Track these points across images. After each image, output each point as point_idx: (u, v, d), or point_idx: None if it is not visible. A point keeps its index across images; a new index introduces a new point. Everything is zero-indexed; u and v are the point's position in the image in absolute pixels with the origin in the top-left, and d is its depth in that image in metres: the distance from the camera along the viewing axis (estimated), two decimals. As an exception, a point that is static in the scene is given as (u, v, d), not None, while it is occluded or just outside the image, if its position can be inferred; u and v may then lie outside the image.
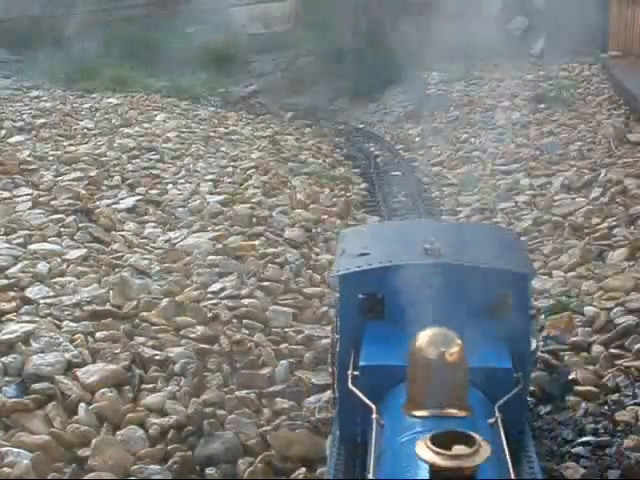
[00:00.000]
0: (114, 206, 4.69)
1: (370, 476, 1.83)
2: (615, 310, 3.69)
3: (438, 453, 1.53)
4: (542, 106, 7.42)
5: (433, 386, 1.91)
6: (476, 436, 1.58)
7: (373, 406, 2.03)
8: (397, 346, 2.11)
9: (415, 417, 1.86)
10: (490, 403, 2.05)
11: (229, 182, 5.32)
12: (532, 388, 3.07)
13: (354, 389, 2.12)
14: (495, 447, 1.77)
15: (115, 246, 4.16)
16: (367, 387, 2.11)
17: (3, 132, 6.15)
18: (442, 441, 1.55)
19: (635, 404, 3.12)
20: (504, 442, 1.90)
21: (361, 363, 2.21)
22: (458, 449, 1.53)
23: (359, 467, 2.16)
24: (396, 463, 1.85)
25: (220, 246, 4.17)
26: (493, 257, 2.44)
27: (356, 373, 2.19)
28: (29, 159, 5.40)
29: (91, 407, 2.81)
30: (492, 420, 1.98)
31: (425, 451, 1.55)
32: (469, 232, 2.91)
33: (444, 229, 2.86)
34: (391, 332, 2.26)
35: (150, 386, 2.99)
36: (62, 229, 4.30)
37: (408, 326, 2.06)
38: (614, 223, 4.56)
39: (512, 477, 1.79)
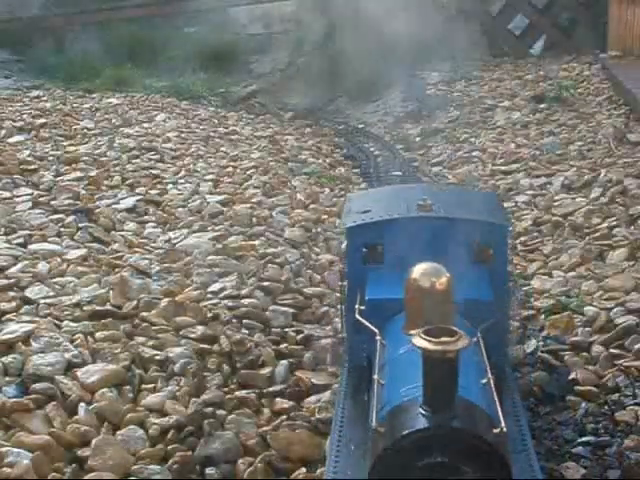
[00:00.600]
0: (114, 206, 4.68)
1: (375, 377, 2.24)
2: (615, 310, 3.69)
3: (428, 341, 1.94)
4: (542, 106, 7.44)
5: (425, 310, 2.29)
6: (458, 330, 2.00)
7: (377, 330, 2.42)
8: (395, 285, 2.49)
9: (411, 335, 2.11)
10: (474, 329, 2.35)
11: (229, 182, 5.32)
12: (534, 388, 3.25)
13: (361, 319, 2.52)
14: (476, 356, 2.27)
15: (115, 246, 4.15)
16: (371, 317, 2.51)
17: (3, 132, 6.15)
18: (432, 335, 1.98)
19: (635, 404, 3.12)
20: (484, 353, 2.30)
21: (366, 298, 2.61)
22: (444, 338, 1.97)
23: (364, 389, 2.54)
24: (396, 368, 2.29)
25: (220, 246, 4.17)
26: (477, 212, 2.88)
27: (362, 307, 2.59)
28: (29, 159, 5.39)
29: (91, 407, 2.81)
30: (474, 338, 2.32)
31: (419, 340, 1.99)
32: (459, 193, 3.63)
33: (437, 191, 3.31)
34: (389, 275, 2.66)
35: (150, 386, 2.98)
36: (62, 229, 4.29)
37: (404, 270, 2.42)
38: (614, 223, 4.56)
39: (487, 367, 2.25)
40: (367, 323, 2.47)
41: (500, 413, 2.02)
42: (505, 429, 1.96)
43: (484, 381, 2.17)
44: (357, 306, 2.59)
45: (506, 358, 2.70)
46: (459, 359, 1.99)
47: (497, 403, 2.08)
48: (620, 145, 5.89)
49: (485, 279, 2.65)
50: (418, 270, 2.33)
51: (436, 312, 2.27)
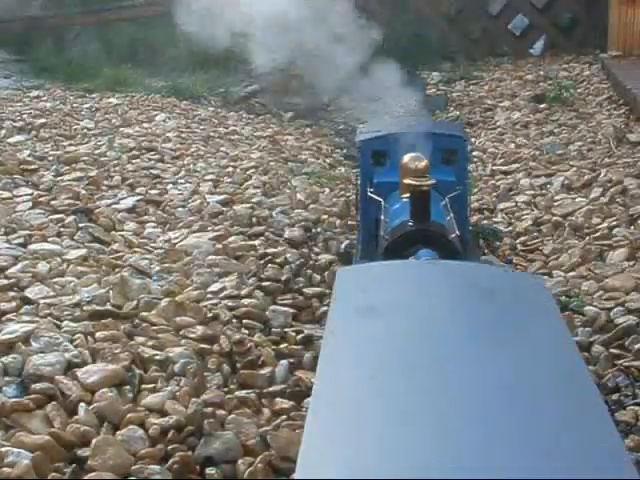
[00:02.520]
0: (114, 206, 4.68)
1: (382, 217, 3.35)
2: (615, 310, 3.69)
3: (414, 180, 2.99)
4: (542, 106, 7.44)
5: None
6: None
7: (382, 199, 3.50)
8: (392, 174, 3.54)
9: (403, 198, 3.30)
10: (443, 197, 3.43)
11: (229, 182, 5.32)
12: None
13: (371, 194, 3.61)
14: (445, 210, 3.38)
15: (115, 246, 4.15)
16: (377, 194, 3.57)
17: (3, 132, 6.15)
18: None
19: (635, 404, 3.12)
20: (449, 209, 3.39)
21: (374, 182, 3.74)
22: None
23: (374, 242, 3.48)
24: (394, 214, 3.33)
25: (220, 246, 4.17)
26: (446, 130, 4.28)
27: (371, 189, 3.67)
28: (29, 159, 5.39)
29: (91, 407, 2.81)
30: (443, 203, 3.44)
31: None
32: (438, 122, 5.33)
33: (428, 120, 4.75)
34: (389, 171, 3.72)
35: (150, 386, 2.98)
36: (62, 229, 4.29)
37: (397, 166, 3.45)
38: (614, 223, 4.56)
39: (451, 212, 3.37)
40: (375, 196, 3.54)
41: (455, 228, 3.17)
42: (458, 234, 3.10)
43: (449, 217, 3.28)
44: (368, 189, 3.69)
45: (466, 219, 3.78)
46: (432, 200, 3.09)
47: (455, 225, 3.21)
48: (620, 145, 5.89)
49: (451, 170, 3.75)
50: (407, 156, 3.33)
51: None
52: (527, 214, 4.96)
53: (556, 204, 5.00)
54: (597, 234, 4.46)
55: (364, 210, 3.80)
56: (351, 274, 2.33)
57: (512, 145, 6.37)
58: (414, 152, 3.35)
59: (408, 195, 3.13)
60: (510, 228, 4.86)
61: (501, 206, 5.11)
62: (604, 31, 9.19)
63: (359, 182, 3.96)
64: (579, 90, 7.83)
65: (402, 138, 3.66)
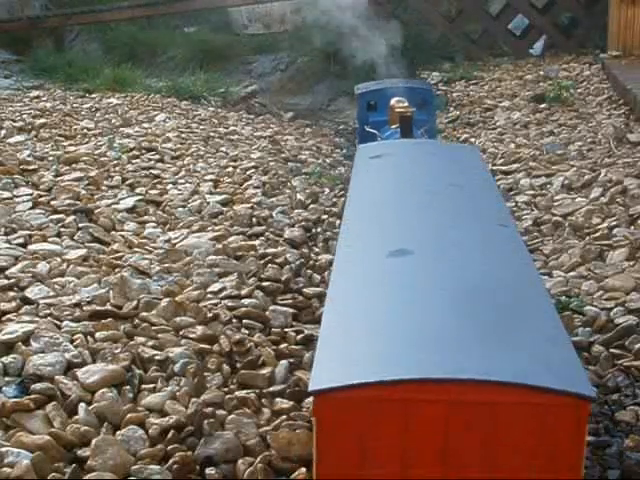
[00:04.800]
0: (114, 206, 4.68)
1: (378, 133, 4.78)
2: (615, 310, 3.69)
3: (401, 108, 4.40)
4: (542, 106, 7.43)
5: (396, 116, 4.49)
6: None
7: (377, 132, 4.75)
8: (383, 116, 4.85)
9: (392, 127, 4.62)
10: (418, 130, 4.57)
11: (229, 182, 5.32)
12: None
13: (369, 129, 4.84)
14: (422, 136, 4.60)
15: (115, 246, 4.15)
16: (372, 128, 4.83)
17: (3, 132, 6.15)
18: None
19: (635, 404, 3.12)
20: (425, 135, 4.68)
21: (370, 121, 5.03)
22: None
23: None
24: (387, 137, 4.56)
25: (220, 246, 4.17)
26: (420, 85, 5.73)
27: (368, 126, 4.90)
28: (29, 159, 5.39)
29: (91, 407, 2.80)
30: (420, 132, 4.62)
31: (398, 109, 4.41)
32: (418, 82, 6.47)
33: (406, 80, 5.70)
34: (380, 114, 4.96)
35: (150, 386, 2.98)
36: (62, 229, 4.29)
37: (385, 111, 4.83)
38: (614, 223, 4.56)
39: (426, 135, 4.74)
40: (372, 130, 4.79)
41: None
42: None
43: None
44: (365, 127, 4.94)
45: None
46: (414, 125, 4.37)
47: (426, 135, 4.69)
48: (620, 145, 5.89)
49: (422, 112, 4.86)
50: (394, 100, 4.69)
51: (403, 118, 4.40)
52: (527, 214, 4.96)
53: (556, 204, 5.00)
54: (597, 234, 4.46)
55: (362, 142, 4.82)
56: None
57: (512, 145, 6.36)
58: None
59: (396, 125, 4.49)
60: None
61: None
62: (604, 31, 9.19)
63: (357, 125, 5.57)
64: (579, 90, 7.83)
65: (387, 91, 4.99)
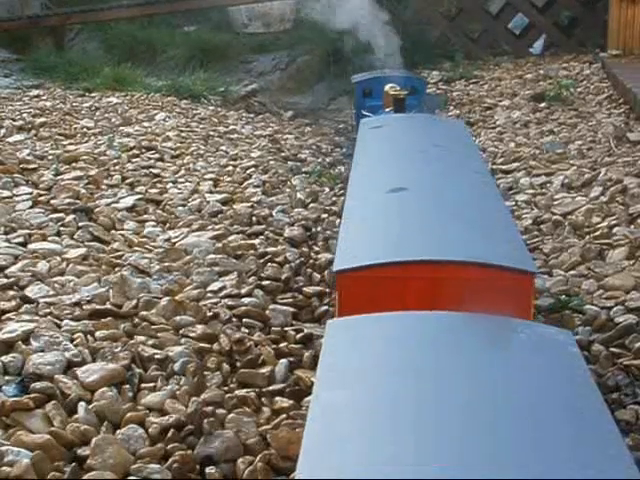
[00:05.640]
0: (114, 205, 4.68)
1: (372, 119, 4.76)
2: (615, 309, 3.69)
3: (394, 91, 4.92)
4: (542, 105, 7.43)
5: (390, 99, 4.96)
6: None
7: (372, 114, 5.03)
8: (378, 101, 5.29)
9: (387, 110, 4.99)
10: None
11: (229, 181, 5.32)
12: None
13: (365, 113, 5.15)
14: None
15: (115, 245, 4.15)
16: (369, 112, 5.19)
17: (3, 131, 6.15)
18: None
19: (635, 403, 3.12)
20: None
21: (366, 106, 5.49)
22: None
23: None
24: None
25: (220, 245, 4.17)
26: (415, 75, 6.39)
27: (365, 111, 5.25)
28: (29, 158, 5.39)
29: (91, 406, 2.80)
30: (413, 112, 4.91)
31: (391, 92, 4.95)
32: (409, 72, 6.44)
33: (398, 70, 6.03)
34: (375, 99, 5.44)
35: (150, 385, 2.98)
36: (62, 228, 4.29)
37: (380, 97, 5.23)
38: (614, 222, 4.55)
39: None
40: (368, 113, 5.10)
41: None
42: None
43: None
44: (363, 111, 5.30)
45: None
46: (407, 101, 4.88)
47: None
48: (620, 144, 5.89)
49: (414, 97, 5.26)
50: (388, 86, 5.11)
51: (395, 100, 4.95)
52: (527, 213, 4.96)
53: (556, 203, 5.00)
54: (597, 233, 4.46)
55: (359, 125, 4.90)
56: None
57: (512, 144, 6.36)
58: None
59: (390, 108, 4.97)
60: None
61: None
62: (604, 30, 9.19)
63: (354, 110, 6.07)
64: (579, 89, 7.83)
65: (381, 79, 5.43)
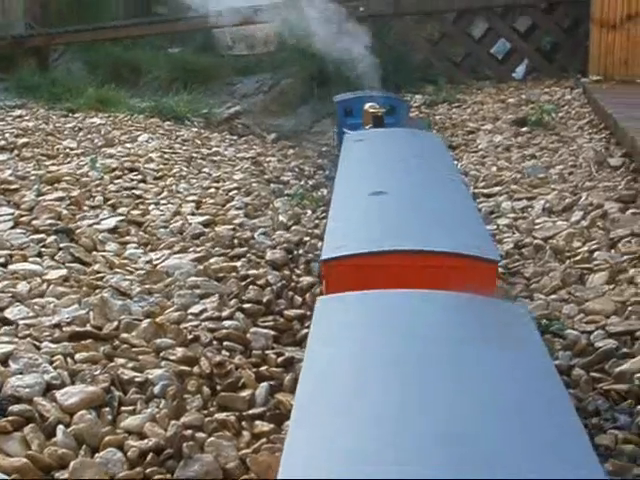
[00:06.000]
0: (95, 226, 4.67)
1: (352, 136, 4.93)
2: (595, 333, 3.70)
3: (372, 109, 5.33)
4: (524, 129, 7.47)
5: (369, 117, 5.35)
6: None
7: (352, 132, 5.04)
8: (358, 120, 5.60)
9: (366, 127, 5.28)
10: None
11: (211, 203, 5.32)
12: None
13: (346, 130, 5.31)
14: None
15: (96, 267, 4.14)
16: (349, 130, 5.29)
17: (-15, 151, 6.14)
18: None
19: (615, 428, 3.12)
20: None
21: (347, 124, 5.77)
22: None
23: None
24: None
25: (201, 267, 4.17)
26: (394, 95, 6.71)
27: (346, 129, 5.41)
28: (11, 179, 5.38)
29: (69, 429, 2.79)
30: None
31: (370, 110, 5.35)
32: (388, 93, 6.74)
33: (376, 91, 6.40)
34: (355, 118, 5.73)
35: (129, 408, 2.97)
36: (43, 249, 4.28)
37: (360, 116, 5.56)
38: (595, 246, 4.58)
39: None
40: (349, 131, 5.14)
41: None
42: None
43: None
44: (344, 129, 5.53)
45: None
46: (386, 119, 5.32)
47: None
48: (601, 169, 5.93)
49: (392, 117, 5.63)
50: (367, 105, 5.45)
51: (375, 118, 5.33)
52: (508, 237, 4.97)
53: (537, 227, 5.02)
54: (578, 257, 4.48)
55: (340, 142, 5.13)
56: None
57: (494, 168, 6.39)
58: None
59: (369, 125, 5.28)
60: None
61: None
62: (585, 56, 9.27)
63: (335, 129, 6.39)
64: (560, 114, 7.88)
65: (361, 99, 5.77)
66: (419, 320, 2.09)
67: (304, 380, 1.88)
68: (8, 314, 3.48)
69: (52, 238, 4.38)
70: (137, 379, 3.09)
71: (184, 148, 6.90)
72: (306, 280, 4.20)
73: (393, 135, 4.71)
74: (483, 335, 2.02)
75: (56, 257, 4.20)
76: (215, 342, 3.46)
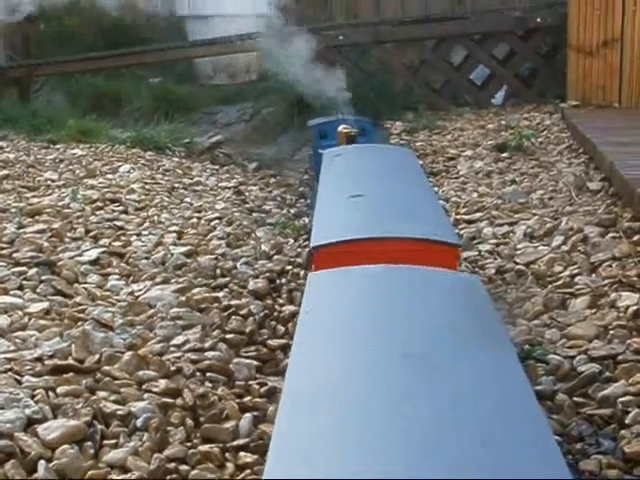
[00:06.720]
0: (77, 258, 4.66)
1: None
2: (578, 358, 3.71)
3: (345, 130, 5.66)
4: (504, 155, 7.51)
5: (342, 137, 5.78)
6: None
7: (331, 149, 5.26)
8: (332, 141, 5.73)
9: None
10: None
11: (193, 233, 5.31)
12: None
13: (321, 151, 5.34)
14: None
15: (78, 299, 4.12)
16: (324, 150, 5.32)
17: (-35, 184, 6.12)
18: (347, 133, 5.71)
19: (599, 453, 3.13)
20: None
21: (322, 145, 5.84)
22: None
23: None
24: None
25: (183, 298, 4.16)
26: (364, 118, 6.61)
27: (321, 150, 5.41)
28: (-9, 211, 5.36)
29: (51, 464, 2.76)
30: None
31: (343, 130, 5.68)
32: (360, 117, 6.65)
33: (350, 116, 6.51)
34: (330, 140, 5.87)
35: (112, 442, 2.95)
36: (24, 282, 4.26)
37: (334, 138, 5.76)
38: (576, 271, 4.60)
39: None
40: (324, 151, 5.16)
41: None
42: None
43: None
44: (319, 150, 5.59)
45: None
46: (358, 138, 5.63)
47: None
48: (580, 193, 5.96)
49: (363, 139, 5.80)
50: (341, 127, 5.73)
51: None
52: (490, 263, 4.99)
53: (519, 252, 5.04)
54: (559, 282, 4.50)
55: (316, 163, 5.68)
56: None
57: (475, 194, 6.42)
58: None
59: (343, 145, 5.48)
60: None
61: (464, 255, 5.12)
62: (563, 81, 9.36)
63: (311, 150, 6.71)
64: (540, 139, 7.93)
65: (335, 122, 6.08)
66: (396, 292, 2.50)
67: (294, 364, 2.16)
68: (-11, 349, 3.45)
69: (33, 271, 4.36)
70: (119, 412, 3.07)
71: (166, 178, 6.91)
72: (289, 309, 4.20)
73: (368, 149, 5.29)
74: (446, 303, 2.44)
75: (37, 290, 4.18)
76: (198, 373, 3.45)
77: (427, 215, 3.53)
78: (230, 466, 2.92)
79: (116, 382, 3.30)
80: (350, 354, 2.08)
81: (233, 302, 4.18)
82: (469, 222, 5.81)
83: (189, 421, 3.11)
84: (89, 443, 2.91)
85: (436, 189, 6.80)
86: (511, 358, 2.13)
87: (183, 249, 4.93)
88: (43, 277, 4.32)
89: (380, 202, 3.70)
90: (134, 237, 5.15)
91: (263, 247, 5.15)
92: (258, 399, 3.34)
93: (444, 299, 2.47)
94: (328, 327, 2.26)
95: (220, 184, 7.04)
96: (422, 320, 2.25)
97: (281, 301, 4.38)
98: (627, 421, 3.23)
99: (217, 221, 5.64)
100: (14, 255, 4.58)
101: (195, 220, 5.64)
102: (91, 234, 5.11)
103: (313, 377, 2.05)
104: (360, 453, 1.69)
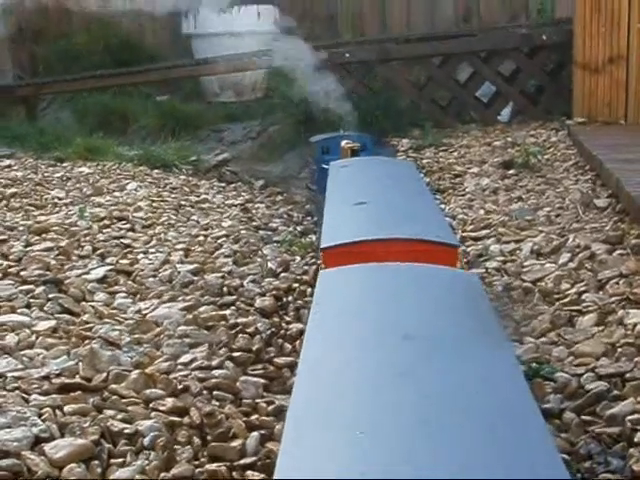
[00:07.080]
0: (84, 276, 4.67)
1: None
2: (586, 376, 3.70)
3: (348, 144, 6.10)
4: (510, 172, 7.51)
5: (346, 152, 6.10)
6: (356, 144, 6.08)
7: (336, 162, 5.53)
8: (336, 156, 5.98)
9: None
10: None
11: (200, 251, 5.32)
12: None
13: (324, 166, 5.61)
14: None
15: (85, 317, 4.13)
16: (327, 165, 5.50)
17: (-27, 202, 6.14)
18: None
19: (607, 471, 3.11)
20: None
21: (325, 160, 6.07)
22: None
23: None
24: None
25: (190, 316, 4.16)
26: (365, 134, 7.08)
27: (324, 165, 5.69)
28: (-1, 229, 5.38)
29: (58, 483, 2.76)
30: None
31: (346, 145, 6.08)
32: (360, 133, 7.20)
33: (351, 132, 7.10)
34: (332, 155, 6.14)
35: (119, 460, 2.95)
36: (31, 300, 4.27)
37: (338, 153, 6.10)
38: (583, 288, 4.58)
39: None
40: (327, 165, 5.43)
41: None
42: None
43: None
44: (322, 164, 5.88)
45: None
46: (359, 153, 5.96)
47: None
48: (587, 210, 5.96)
49: (364, 152, 6.10)
50: (343, 142, 6.07)
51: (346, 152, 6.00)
52: (497, 280, 4.98)
53: (525, 270, 5.03)
54: (566, 299, 4.48)
55: (319, 178, 6.17)
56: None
57: (481, 211, 6.41)
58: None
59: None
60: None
61: (471, 272, 5.11)
62: (569, 98, 9.37)
63: (314, 166, 7.01)
64: (546, 156, 7.93)
65: (337, 138, 6.48)
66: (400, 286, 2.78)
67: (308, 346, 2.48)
68: (-4, 367, 3.45)
69: (41, 289, 4.37)
70: (127, 430, 3.07)
71: (173, 196, 6.92)
72: (296, 327, 4.19)
73: (372, 161, 5.74)
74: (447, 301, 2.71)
75: (45, 308, 4.19)
76: (205, 392, 3.44)
77: (427, 219, 3.85)
78: (237, 485, 2.91)
79: (123, 400, 3.30)
80: (358, 349, 2.37)
81: (240, 320, 4.18)
82: (476, 239, 5.80)
83: (196, 440, 3.11)
84: (96, 462, 2.91)
85: (443, 206, 6.80)
86: (508, 354, 2.33)
87: (190, 267, 4.94)
88: (50, 295, 4.33)
89: (383, 208, 4.04)
90: (141, 255, 5.16)
91: (270, 265, 5.15)
92: (265, 417, 3.33)
93: (444, 293, 2.73)
94: (337, 317, 2.57)
95: (227, 202, 7.05)
96: (423, 310, 2.55)
97: (288, 319, 4.38)
98: (636, 439, 3.22)
99: (224, 239, 5.65)
100: (21, 273, 4.59)
101: (202, 238, 5.65)
102: (98, 252, 5.13)
103: (325, 358, 2.38)
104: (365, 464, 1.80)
